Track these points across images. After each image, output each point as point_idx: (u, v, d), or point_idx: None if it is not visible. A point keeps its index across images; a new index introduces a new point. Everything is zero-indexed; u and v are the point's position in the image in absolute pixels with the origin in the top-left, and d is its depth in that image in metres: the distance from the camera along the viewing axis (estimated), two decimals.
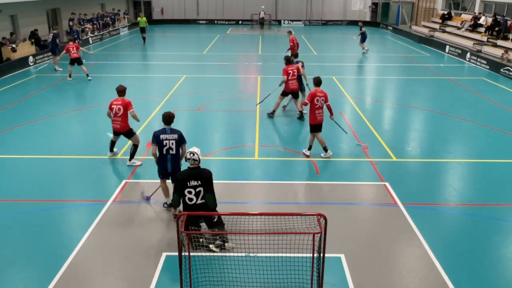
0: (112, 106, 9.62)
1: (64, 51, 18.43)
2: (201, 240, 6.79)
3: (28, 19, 24.38)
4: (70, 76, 18.23)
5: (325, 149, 10.42)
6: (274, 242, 6.15)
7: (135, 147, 9.88)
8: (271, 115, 13.43)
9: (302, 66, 13.53)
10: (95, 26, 31.24)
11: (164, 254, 6.71)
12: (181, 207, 6.88)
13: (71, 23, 27.88)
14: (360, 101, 15.62)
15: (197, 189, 6.61)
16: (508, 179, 9.43)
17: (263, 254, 6.41)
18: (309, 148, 10.53)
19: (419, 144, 11.64)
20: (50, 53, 22.03)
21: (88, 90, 17.04)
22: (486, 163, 10.30)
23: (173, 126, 7.78)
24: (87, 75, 18.20)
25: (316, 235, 5.26)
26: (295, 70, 12.93)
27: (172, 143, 7.59)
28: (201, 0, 43.08)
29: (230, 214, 6.70)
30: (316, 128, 10.27)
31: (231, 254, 6.63)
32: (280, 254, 6.30)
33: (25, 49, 22.09)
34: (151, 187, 9.04)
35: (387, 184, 9.14)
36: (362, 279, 6.23)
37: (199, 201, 6.65)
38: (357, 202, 8.51)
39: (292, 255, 6.18)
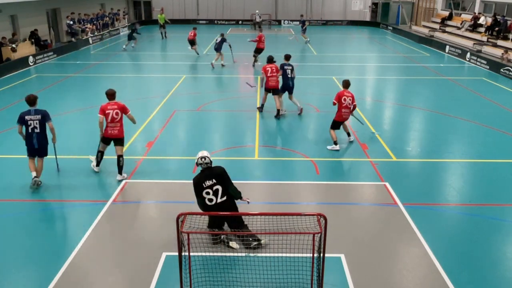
0: (107, 111, 8.84)
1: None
2: (222, 236, 6.84)
3: (28, 19, 24.37)
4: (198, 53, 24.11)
5: (335, 143, 11.00)
6: (274, 242, 6.14)
7: (122, 158, 9.19)
8: (260, 109, 14.07)
9: (292, 69, 13.59)
10: (95, 26, 31.25)
11: (164, 254, 6.71)
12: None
13: (70, 22, 27.91)
14: (360, 101, 15.59)
15: (214, 188, 6.71)
16: (508, 179, 9.43)
17: (263, 254, 6.42)
18: (335, 143, 11.00)
19: (419, 144, 11.64)
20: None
21: (88, 90, 17.03)
22: (486, 163, 10.29)
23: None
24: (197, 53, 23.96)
25: (316, 235, 5.25)
26: (273, 68, 13.44)
27: (36, 123, 8.45)
28: (201, 0, 43.07)
29: (230, 214, 6.71)
30: (338, 125, 11.17)
31: (231, 254, 6.64)
32: (280, 254, 6.30)
33: (25, 49, 22.10)
34: (151, 187, 9.06)
35: (387, 184, 9.14)
36: (362, 279, 6.23)
37: (219, 200, 6.74)
38: (357, 202, 8.51)
39: (292, 255, 6.18)
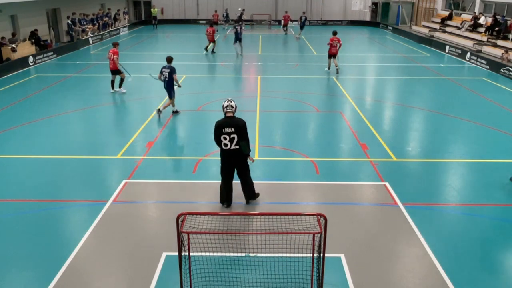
0: (108, 55, 16.06)
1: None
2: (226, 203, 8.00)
3: (28, 19, 24.38)
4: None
5: (329, 67, 20.24)
6: (274, 242, 6.15)
7: (122, 80, 16.29)
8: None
9: (240, 28, 23.76)
10: (95, 26, 31.25)
11: (164, 254, 6.71)
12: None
13: (69, 22, 27.92)
14: (360, 101, 15.62)
15: (231, 136, 7.62)
16: (508, 179, 9.42)
17: (263, 254, 6.42)
18: (329, 68, 20.18)
19: (419, 144, 11.64)
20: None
21: (88, 90, 17.03)
22: (486, 163, 10.30)
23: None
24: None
25: (316, 235, 5.26)
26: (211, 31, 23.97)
27: (166, 74, 13.18)
28: (201, 0, 43.06)
29: (230, 214, 6.71)
30: (330, 56, 19.53)
31: (231, 254, 6.63)
32: (280, 254, 6.30)
33: (25, 49, 22.10)
34: (151, 187, 9.07)
35: (387, 184, 9.14)
36: (362, 279, 6.23)
37: (233, 147, 7.66)
38: (357, 202, 8.51)
39: (292, 255, 6.18)
